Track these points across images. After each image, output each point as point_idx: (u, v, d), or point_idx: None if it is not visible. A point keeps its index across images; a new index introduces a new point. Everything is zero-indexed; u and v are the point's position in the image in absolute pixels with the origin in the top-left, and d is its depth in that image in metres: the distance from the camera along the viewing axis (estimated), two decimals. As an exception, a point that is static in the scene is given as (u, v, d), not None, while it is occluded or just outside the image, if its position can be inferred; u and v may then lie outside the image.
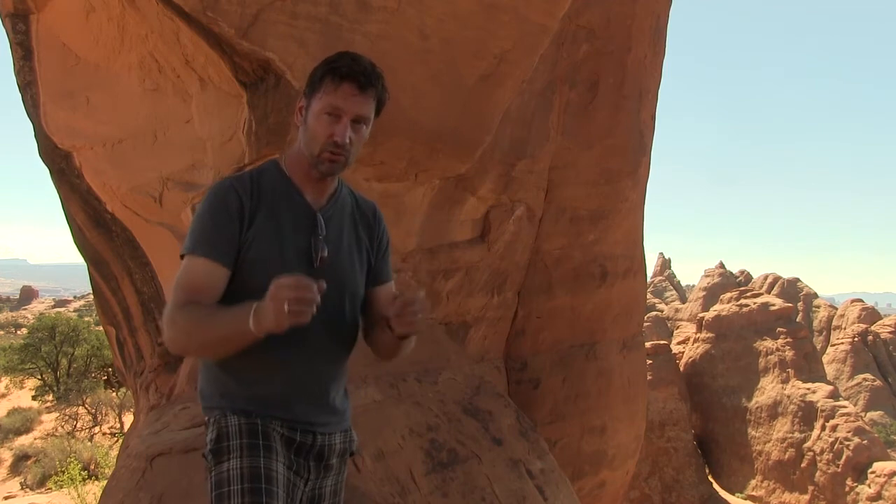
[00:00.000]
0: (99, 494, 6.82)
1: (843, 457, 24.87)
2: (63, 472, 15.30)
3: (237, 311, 1.70)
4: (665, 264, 63.82)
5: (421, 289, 1.85)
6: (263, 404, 1.86)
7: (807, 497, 25.51)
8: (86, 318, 32.47)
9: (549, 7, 4.27)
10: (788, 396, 27.09)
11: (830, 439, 25.44)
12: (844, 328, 41.71)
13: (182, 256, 1.85)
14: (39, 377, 25.78)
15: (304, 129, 1.89)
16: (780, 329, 28.81)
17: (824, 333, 45.00)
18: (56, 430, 21.27)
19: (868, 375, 36.50)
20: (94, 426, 22.02)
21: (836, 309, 46.68)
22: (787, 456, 26.39)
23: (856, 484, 24.41)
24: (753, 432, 27.64)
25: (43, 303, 73.82)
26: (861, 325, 40.66)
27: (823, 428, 25.77)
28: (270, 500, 1.75)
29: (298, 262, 1.85)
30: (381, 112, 1.93)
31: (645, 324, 13.99)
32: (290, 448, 1.88)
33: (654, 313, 47.27)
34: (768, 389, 27.80)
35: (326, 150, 1.83)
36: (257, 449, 1.80)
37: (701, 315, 33.22)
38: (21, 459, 19.20)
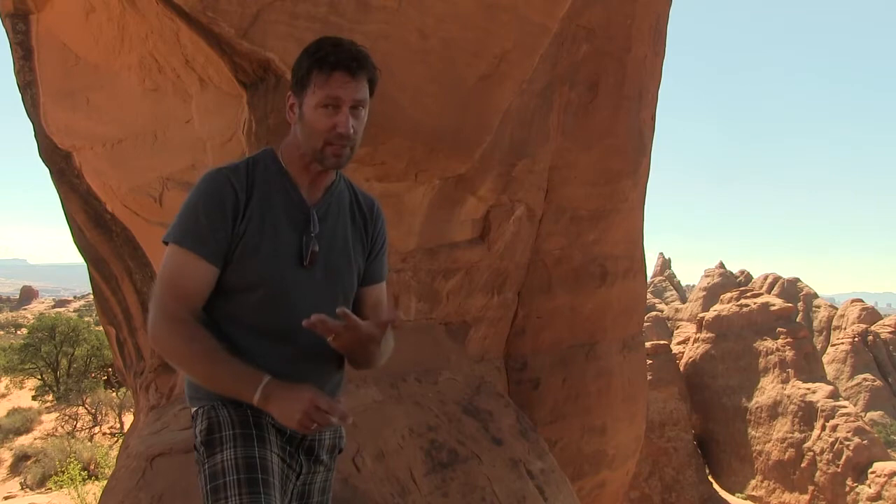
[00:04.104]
0: (99, 494, 6.81)
1: (843, 457, 24.86)
2: (63, 472, 15.29)
3: (243, 376, 1.69)
4: (665, 264, 63.80)
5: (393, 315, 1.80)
6: None
7: (807, 497, 25.50)
8: (86, 318, 32.48)
9: (549, 7, 4.26)
10: (788, 396, 27.09)
11: (830, 439, 25.43)
12: (844, 328, 41.67)
13: (166, 242, 1.78)
14: (39, 377, 25.77)
15: (301, 126, 1.82)
16: (780, 329, 28.82)
17: (824, 333, 44.96)
18: (56, 430, 21.25)
19: (868, 375, 36.47)
20: (94, 426, 22.00)
21: (836, 309, 46.63)
22: (787, 456, 26.38)
23: (856, 484, 24.39)
24: (753, 432, 27.64)
25: (43, 303, 73.87)
26: (861, 325, 40.62)
27: (823, 428, 25.76)
28: (267, 490, 1.70)
29: (289, 258, 1.81)
30: (375, 92, 1.85)
31: (645, 324, 13.99)
32: (283, 439, 1.85)
33: (654, 313, 47.27)
34: (768, 389, 27.79)
35: (331, 142, 1.77)
36: (251, 439, 1.74)
37: (701, 315, 33.22)
38: (21, 459, 19.16)
